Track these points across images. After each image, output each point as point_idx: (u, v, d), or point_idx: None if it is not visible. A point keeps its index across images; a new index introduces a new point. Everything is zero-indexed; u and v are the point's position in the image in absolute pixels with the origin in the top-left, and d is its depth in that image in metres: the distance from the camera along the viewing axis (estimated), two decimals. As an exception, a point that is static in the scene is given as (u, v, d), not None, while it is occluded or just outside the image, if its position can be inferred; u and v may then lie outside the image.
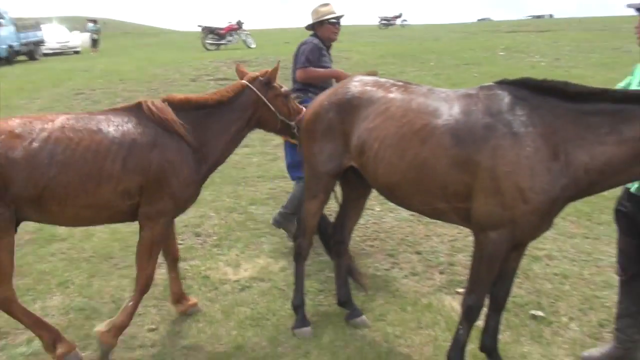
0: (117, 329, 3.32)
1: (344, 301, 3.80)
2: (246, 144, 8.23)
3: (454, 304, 3.96)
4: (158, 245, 3.36)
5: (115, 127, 3.19)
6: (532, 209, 2.60)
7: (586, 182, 2.57)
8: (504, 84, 2.82)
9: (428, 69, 15.18)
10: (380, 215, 5.65)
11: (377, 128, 3.07)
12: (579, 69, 15.10)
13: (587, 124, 2.54)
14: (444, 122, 2.83)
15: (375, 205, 5.78)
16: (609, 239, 4.94)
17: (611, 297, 3.98)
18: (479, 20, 57.85)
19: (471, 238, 5.00)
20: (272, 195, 6.28)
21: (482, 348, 3.20)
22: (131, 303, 3.36)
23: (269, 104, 3.59)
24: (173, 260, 3.82)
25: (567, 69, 15.11)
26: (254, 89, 3.58)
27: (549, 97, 2.64)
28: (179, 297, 3.84)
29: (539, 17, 57.40)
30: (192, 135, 3.33)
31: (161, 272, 4.52)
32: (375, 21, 35.93)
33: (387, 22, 36.33)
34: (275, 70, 3.62)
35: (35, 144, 3.01)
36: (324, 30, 4.94)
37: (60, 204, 3.06)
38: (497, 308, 3.12)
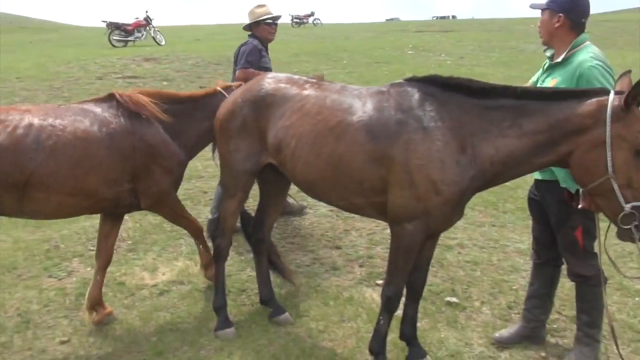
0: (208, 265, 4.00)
1: (267, 299, 3.79)
2: (159, 144, 7.99)
3: (374, 296, 4.06)
4: (179, 212, 3.83)
5: (93, 116, 3.37)
6: (444, 200, 2.71)
7: (492, 173, 2.73)
8: (413, 81, 2.92)
9: (341, 67, 15.44)
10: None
11: (293, 126, 3.07)
12: (481, 67, 16.00)
13: (491, 119, 2.68)
14: (358, 119, 2.88)
15: (294, 202, 5.79)
16: (514, 226, 5.30)
17: (518, 280, 4.26)
18: (387, 20, 59.58)
19: (388, 231, 5.16)
20: (189, 195, 6.12)
21: (402, 336, 3.30)
22: (201, 246, 4.02)
23: None
24: (105, 261, 3.74)
25: (471, 67, 15.96)
26: (225, 95, 3.78)
27: (455, 94, 2.76)
28: (95, 304, 3.66)
29: (443, 17, 60.09)
30: (167, 124, 3.58)
31: (72, 281, 4.29)
32: (288, 19, 36.03)
33: (300, 21, 36.48)
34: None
35: (19, 130, 3.10)
36: (261, 30, 5.08)
37: (47, 191, 3.16)
38: (415, 297, 3.23)
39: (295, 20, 36.27)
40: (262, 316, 3.78)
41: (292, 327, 3.66)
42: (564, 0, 2.96)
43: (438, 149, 2.68)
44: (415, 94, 2.82)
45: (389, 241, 4.93)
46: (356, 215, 5.51)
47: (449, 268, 4.49)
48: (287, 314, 3.74)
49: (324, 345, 3.47)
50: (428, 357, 3.26)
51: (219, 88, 3.93)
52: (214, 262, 3.65)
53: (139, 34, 22.53)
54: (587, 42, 3.00)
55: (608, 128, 2.44)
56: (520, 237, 5.03)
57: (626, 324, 3.60)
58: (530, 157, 2.65)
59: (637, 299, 3.95)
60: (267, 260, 3.85)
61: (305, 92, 3.14)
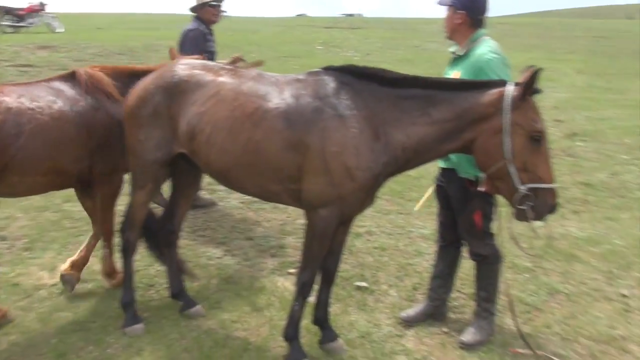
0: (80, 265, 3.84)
1: (177, 293, 3.71)
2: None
3: (286, 285, 4.10)
4: (115, 198, 3.78)
5: (64, 95, 3.44)
6: (359, 185, 2.81)
7: (403, 159, 2.86)
8: (330, 70, 2.99)
9: (250, 60, 15.31)
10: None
11: (208, 112, 3.03)
12: (387, 63, 16.51)
13: (403, 108, 2.81)
14: (275, 106, 2.90)
15: (205, 195, 5.70)
16: (418, 214, 5.53)
17: (422, 263, 4.48)
18: (297, 15, 59.82)
19: (299, 221, 5.24)
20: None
21: (315, 321, 3.37)
22: (93, 241, 3.91)
23: None
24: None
25: (377, 63, 16.34)
26: None
27: (370, 83, 2.86)
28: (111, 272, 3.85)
29: (350, 15, 61.23)
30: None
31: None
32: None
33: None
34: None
35: None
36: (205, 12, 5.25)
37: (23, 173, 3.25)
38: (328, 282, 3.31)
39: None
40: (173, 310, 3.70)
41: (204, 320, 3.62)
42: None
43: (353, 136, 2.76)
44: (331, 83, 2.88)
45: (301, 231, 5.04)
46: (267, 207, 5.55)
47: (358, 254, 4.63)
48: (199, 306, 3.69)
49: (238, 335, 3.47)
50: (340, 339, 3.36)
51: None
52: (122, 256, 3.52)
53: (32, 20, 21.02)
54: (485, 37, 3.22)
55: (507, 116, 2.65)
56: (424, 223, 5.28)
57: (517, 298, 3.90)
58: (439, 144, 2.81)
59: (526, 275, 4.30)
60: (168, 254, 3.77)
61: (221, 79, 3.10)
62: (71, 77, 3.56)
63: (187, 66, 3.25)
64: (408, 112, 2.80)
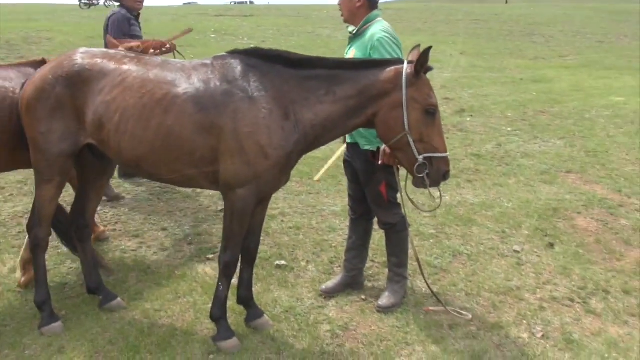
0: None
1: (95, 287, 3.62)
2: None
3: (207, 270, 4.14)
4: None
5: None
6: (273, 163, 2.92)
7: (313, 136, 3.00)
8: (235, 53, 3.05)
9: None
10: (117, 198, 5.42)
11: (115, 100, 2.98)
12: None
13: (309, 87, 2.95)
14: (184, 91, 2.92)
15: (112, 188, 5.52)
16: (327, 193, 5.77)
17: (336, 239, 4.70)
18: (185, 4, 58.06)
19: (212, 209, 5.26)
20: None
21: (239, 300, 3.46)
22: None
23: None
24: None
25: (273, 50, 16.51)
26: None
27: (275, 65, 2.96)
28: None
29: (241, 3, 60.64)
30: None
31: None
32: (75, 0, 32.98)
33: (89, 3, 33.66)
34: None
35: None
36: (128, 0, 5.34)
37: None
38: (250, 261, 3.40)
39: (83, 1, 33.37)
40: (92, 306, 3.61)
41: (126, 312, 3.57)
42: None
43: (264, 116, 2.86)
44: (238, 66, 2.95)
45: (215, 218, 5.08)
46: (178, 196, 5.51)
47: (274, 235, 4.75)
48: (119, 299, 3.63)
49: (163, 323, 3.46)
50: (265, 315, 3.47)
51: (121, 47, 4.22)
52: (32, 254, 3.37)
53: None
54: (379, 18, 3.44)
55: (404, 92, 2.87)
56: (334, 201, 5.51)
57: (425, 262, 4.23)
58: (344, 120, 2.98)
59: (431, 241, 4.66)
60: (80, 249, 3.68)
61: (125, 67, 3.06)
62: (40, 64, 3.53)
63: (87, 54, 3.17)
64: (314, 92, 2.93)
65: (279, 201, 5.39)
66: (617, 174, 6.41)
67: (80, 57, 3.13)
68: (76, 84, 3.05)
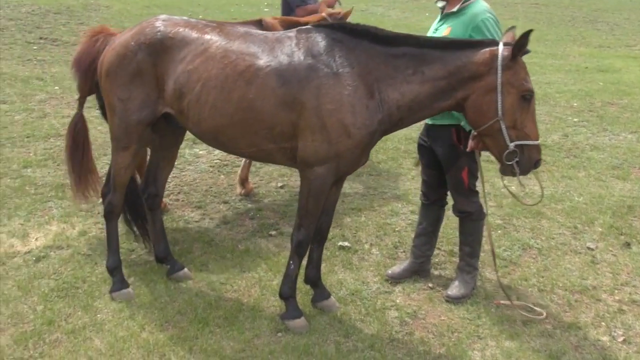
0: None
1: (163, 256, 3.63)
2: (3, 100, 7.08)
3: (270, 246, 4.10)
4: None
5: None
6: (356, 143, 2.81)
7: (397, 117, 2.88)
8: (321, 27, 2.95)
9: (197, 21, 14.81)
10: (179, 168, 5.43)
11: (197, 70, 2.92)
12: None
13: (396, 65, 2.82)
14: (267, 63, 2.84)
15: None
16: (388, 175, 5.64)
17: (399, 223, 4.58)
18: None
19: (273, 184, 5.22)
20: (50, 155, 5.54)
21: (307, 280, 3.40)
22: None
23: None
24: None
25: (327, 26, 16.28)
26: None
27: (362, 40, 2.84)
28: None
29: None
30: None
31: None
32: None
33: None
34: (349, 12, 4.93)
35: None
36: None
37: None
38: (321, 240, 3.33)
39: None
40: (160, 274, 3.63)
41: (192, 283, 3.58)
42: None
43: (349, 93, 2.75)
44: (323, 40, 2.85)
45: (275, 193, 5.03)
46: (238, 170, 5.47)
47: (336, 215, 4.58)
48: (186, 269, 3.64)
49: (229, 297, 3.45)
50: (332, 297, 3.41)
51: (324, 14, 4.73)
52: (105, 220, 3.39)
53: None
54: None
55: (499, 75, 2.69)
56: (395, 184, 5.38)
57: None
58: (432, 102, 2.84)
59: (499, 231, 4.49)
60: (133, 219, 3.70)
61: (207, 36, 3.00)
62: (259, 24, 4.25)
63: (169, 22, 3.12)
64: (401, 70, 2.81)
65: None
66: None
67: (163, 24, 3.08)
68: (158, 51, 3.01)
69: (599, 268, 4.01)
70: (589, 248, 4.27)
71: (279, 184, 5.20)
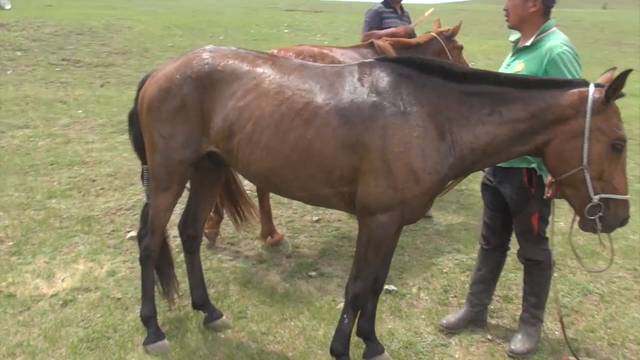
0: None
1: (201, 303, 3.36)
2: (26, 124, 6.94)
3: (311, 289, 3.83)
4: None
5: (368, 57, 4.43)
6: (425, 189, 2.54)
7: (470, 161, 2.60)
8: (386, 60, 2.69)
9: (218, 43, 14.73)
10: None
11: (249, 107, 2.68)
12: (357, 48, 16.30)
13: (470, 105, 2.54)
14: (327, 101, 2.58)
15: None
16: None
17: (445, 263, 4.29)
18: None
19: (307, 217, 4.95)
20: (74, 184, 5.34)
21: (360, 333, 3.11)
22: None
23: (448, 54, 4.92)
24: None
25: (348, 48, 16.17)
26: (440, 40, 4.94)
27: (434, 77, 2.57)
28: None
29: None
30: None
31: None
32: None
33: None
34: (458, 27, 5.09)
35: None
36: None
37: None
38: (377, 291, 3.05)
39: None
40: (196, 323, 3.36)
41: (232, 332, 3.30)
42: None
43: (418, 135, 2.48)
44: (389, 75, 2.58)
45: (311, 228, 4.76)
46: (271, 202, 5.21)
47: (378, 254, 4.39)
48: (224, 317, 3.36)
49: (272, 350, 3.17)
50: (386, 352, 3.12)
51: (434, 34, 4.95)
52: (141, 266, 3.14)
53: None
54: (555, 28, 2.98)
55: (588, 119, 2.39)
56: (436, 219, 5.10)
57: (551, 299, 3.76)
58: (509, 146, 2.55)
59: (555, 274, 4.15)
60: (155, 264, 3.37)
61: (260, 69, 2.75)
62: (371, 46, 4.62)
63: (217, 53, 2.88)
64: (476, 110, 2.52)
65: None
66: None
67: (210, 55, 2.84)
68: (206, 86, 2.77)
69: (671, 322, 3.68)
70: (653, 298, 3.94)
71: (314, 218, 4.94)
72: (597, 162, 2.43)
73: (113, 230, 4.48)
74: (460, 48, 5.13)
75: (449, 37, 5.02)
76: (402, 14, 5.47)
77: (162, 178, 2.95)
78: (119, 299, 3.55)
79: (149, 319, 3.11)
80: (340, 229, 4.77)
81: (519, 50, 3.05)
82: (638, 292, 3.98)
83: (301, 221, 4.91)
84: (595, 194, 2.45)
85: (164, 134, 2.85)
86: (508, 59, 3.15)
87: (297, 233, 4.70)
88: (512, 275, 4.09)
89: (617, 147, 2.43)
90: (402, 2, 5.57)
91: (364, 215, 2.67)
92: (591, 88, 2.43)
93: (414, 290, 3.90)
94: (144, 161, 3.16)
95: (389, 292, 3.83)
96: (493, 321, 3.58)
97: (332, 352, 2.92)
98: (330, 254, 4.35)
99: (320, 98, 2.60)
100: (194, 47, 14.01)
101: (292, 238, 4.60)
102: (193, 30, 16.02)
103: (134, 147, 3.22)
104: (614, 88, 2.36)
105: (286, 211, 5.08)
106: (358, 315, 3.07)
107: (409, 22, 5.50)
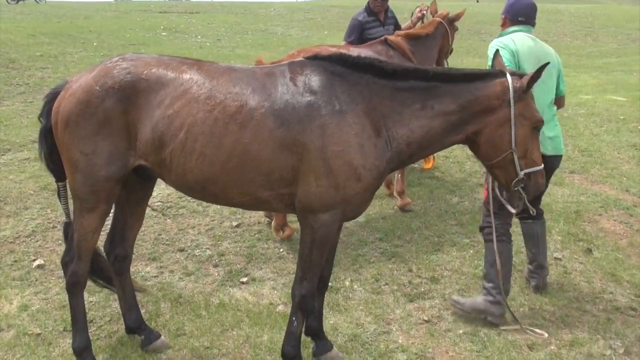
0: None
1: (136, 326, 3.16)
2: None
3: (246, 296, 3.75)
4: None
5: (384, 54, 4.75)
6: (365, 186, 2.59)
7: (407, 154, 2.70)
8: (317, 59, 2.70)
9: (93, 49, 13.82)
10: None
11: (179, 114, 2.55)
12: (241, 49, 16.12)
13: (402, 100, 2.63)
14: (261, 103, 2.55)
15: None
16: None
17: (371, 253, 4.41)
18: (116, 0, 55.61)
19: (227, 224, 4.83)
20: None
21: (308, 331, 3.11)
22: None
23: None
24: None
25: (231, 49, 15.96)
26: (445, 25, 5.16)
27: (365, 74, 2.63)
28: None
29: (178, -1, 58.60)
30: None
31: None
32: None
33: (17, -2, 31.44)
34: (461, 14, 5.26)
35: None
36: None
37: None
38: (322, 288, 3.06)
39: (11, -4, 31.12)
40: (133, 348, 3.15)
41: (173, 352, 3.14)
42: (507, 5, 3.68)
43: (356, 132, 2.53)
44: (322, 75, 2.61)
45: (233, 234, 4.66)
46: (184, 212, 5.06)
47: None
48: (162, 337, 3.19)
49: (220, 363, 3.07)
50: (334, 347, 3.14)
51: (439, 19, 5.13)
52: (68, 294, 2.88)
53: None
54: (512, 34, 3.55)
55: (513, 108, 2.61)
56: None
57: (473, 275, 4.03)
58: (443, 137, 2.70)
59: (470, 251, 4.44)
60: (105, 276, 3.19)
61: (186, 75, 2.63)
62: (384, 43, 4.76)
63: (139, 61, 2.71)
64: (408, 105, 2.63)
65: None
66: (617, 173, 6.47)
67: (132, 64, 2.67)
68: (130, 96, 2.60)
69: (573, 278, 4.10)
70: (556, 258, 4.35)
71: (234, 223, 4.83)
72: (523, 144, 2.67)
73: (15, 261, 4.05)
74: (456, 29, 5.36)
75: (453, 20, 5.22)
76: (385, 19, 5.49)
77: (87, 198, 2.72)
78: (38, 334, 3.23)
79: (83, 350, 2.86)
80: (262, 232, 4.71)
81: None
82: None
83: (221, 228, 4.78)
84: (521, 170, 2.69)
85: (86, 150, 2.64)
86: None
87: (220, 240, 4.56)
88: (434, 257, 4.31)
89: (538, 128, 2.69)
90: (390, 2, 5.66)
91: (305, 216, 2.67)
92: (509, 78, 2.63)
93: (347, 283, 3.97)
94: (58, 178, 2.90)
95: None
96: (426, 303, 3.75)
97: (284, 356, 2.89)
98: (258, 258, 4.29)
99: (253, 100, 2.56)
100: (66, 55, 13.04)
101: (216, 246, 4.46)
102: (62, 37, 14.87)
103: (46, 165, 2.93)
104: (534, 79, 2.60)
105: (204, 219, 4.92)
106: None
107: (395, 26, 5.55)
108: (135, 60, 2.70)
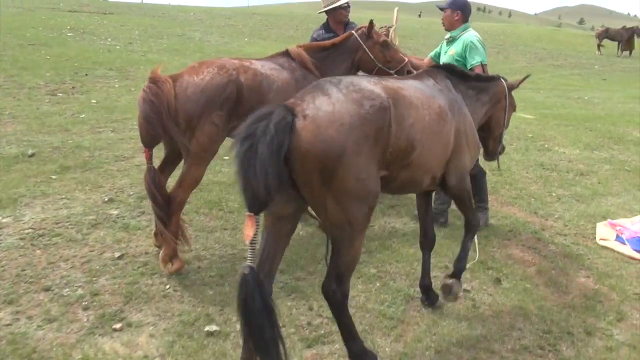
0: None
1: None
2: None
3: (116, 347, 3.20)
4: None
5: (286, 66, 4.53)
6: (476, 153, 3.74)
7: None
8: (440, 68, 3.65)
9: (-15, 48, 12.62)
10: (-26, 247, 4.16)
11: (418, 120, 3.04)
12: (154, 53, 15.33)
13: (469, 95, 3.68)
14: (442, 101, 3.28)
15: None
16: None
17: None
18: (27, -5, 52.15)
19: (108, 255, 4.25)
20: None
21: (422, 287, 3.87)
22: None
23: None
24: None
25: (143, 53, 15.14)
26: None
27: (454, 78, 3.62)
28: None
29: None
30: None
31: None
32: None
33: None
34: (370, 27, 4.91)
35: None
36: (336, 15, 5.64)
37: None
38: (432, 244, 3.96)
39: None
40: None
41: None
42: (460, 2, 5.02)
43: (470, 118, 3.54)
44: (447, 79, 3.51)
45: (114, 267, 4.09)
46: (59, 241, 4.45)
47: (193, 288, 3.90)
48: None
49: None
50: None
51: (352, 32, 4.92)
52: (339, 312, 2.93)
53: None
54: (470, 28, 5.03)
55: (507, 101, 3.98)
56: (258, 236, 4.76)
57: (379, 313, 3.70)
58: (482, 119, 3.89)
59: (377, 284, 4.13)
60: None
61: (404, 90, 3.07)
62: (286, 54, 4.52)
63: (381, 84, 2.89)
64: (471, 97, 3.68)
65: (197, 242, 4.52)
66: (526, 193, 6.47)
67: (380, 87, 2.85)
68: (393, 115, 2.82)
69: (482, 312, 3.88)
70: (465, 290, 4.13)
71: (116, 254, 4.24)
72: (507, 123, 4.11)
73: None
74: (383, 43, 4.90)
75: (368, 34, 4.87)
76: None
77: (362, 222, 2.72)
78: None
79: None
80: (148, 264, 4.16)
81: (449, 42, 5.12)
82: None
83: (100, 260, 4.18)
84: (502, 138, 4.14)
85: (362, 175, 2.59)
86: (444, 47, 5.17)
87: (96, 275, 3.96)
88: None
89: (514, 111, 4.17)
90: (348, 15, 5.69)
91: (454, 183, 3.46)
92: (503, 81, 3.97)
93: (238, 326, 3.50)
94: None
95: (210, 334, 3.39)
96: (325, 349, 3.37)
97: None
98: (138, 297, 3.74)
99: (439, 100, 3.26)
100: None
101: (90, 283, 3.86)
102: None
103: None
104: (521, 82, 4.07)
105: (81, 249, 4.30)
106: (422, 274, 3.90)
107: None
108: (376, 80, 2.97)
